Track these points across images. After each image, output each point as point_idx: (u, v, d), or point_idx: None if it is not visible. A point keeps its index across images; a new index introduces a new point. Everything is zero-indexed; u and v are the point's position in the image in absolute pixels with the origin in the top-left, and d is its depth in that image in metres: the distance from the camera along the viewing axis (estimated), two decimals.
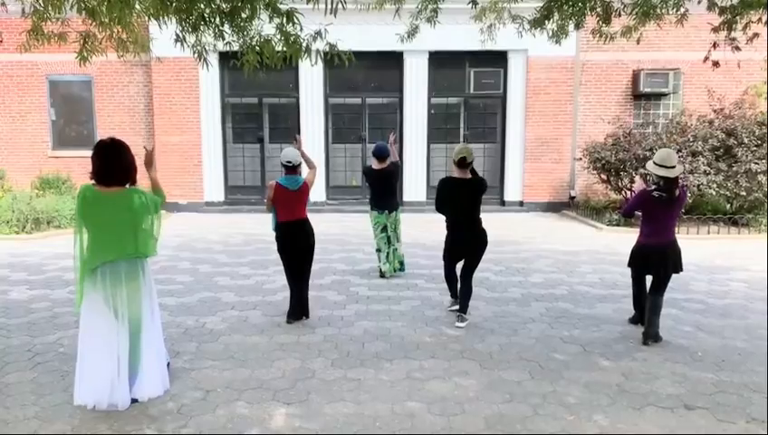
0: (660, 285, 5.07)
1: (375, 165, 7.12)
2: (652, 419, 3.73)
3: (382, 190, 7.19)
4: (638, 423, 3.68)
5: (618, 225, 10.92)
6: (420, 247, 8.79)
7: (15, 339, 5.12)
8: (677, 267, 5.07)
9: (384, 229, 7.18)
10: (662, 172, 4.91)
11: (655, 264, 5.06)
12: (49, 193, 11.93)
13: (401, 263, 7.39)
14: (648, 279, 5.22)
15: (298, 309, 5.56)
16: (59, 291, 6.64)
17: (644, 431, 3.59)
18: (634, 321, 5.50)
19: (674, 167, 4.92)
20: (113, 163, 3.74)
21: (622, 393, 4.08)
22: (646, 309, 5.11)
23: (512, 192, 13.47)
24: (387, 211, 7.17)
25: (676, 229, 5.27)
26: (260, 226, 10.84)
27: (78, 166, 13.02)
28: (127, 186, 3.80)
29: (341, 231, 10.38)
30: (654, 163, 4.98)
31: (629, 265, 5.37)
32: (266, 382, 4.23)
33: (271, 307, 6.01)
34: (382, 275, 7.19)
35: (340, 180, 13.74)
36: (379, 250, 7.27)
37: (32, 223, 10.18)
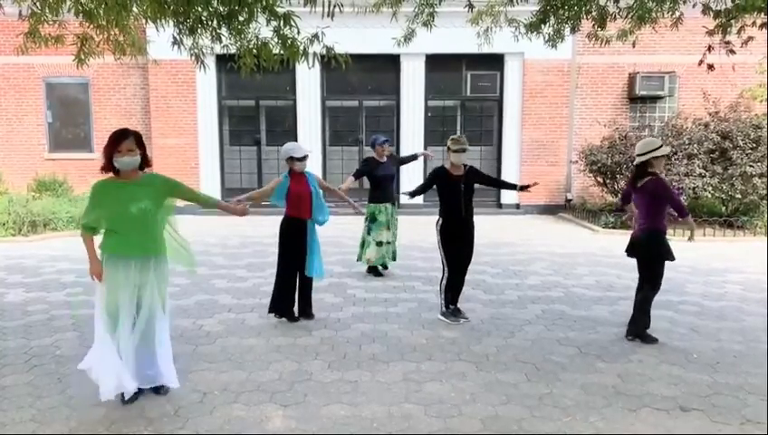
0: (643, 277, 5.18)
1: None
2: (647, 420, 3.75)
3: None
4: (634, 424, 3.69)
5: (614, 227, 10.96)
6: (418, 250, 8.81)
7: (12, 341, 5.11)
8: (652, 255, 5.08)
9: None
10: (636, 161, 5.16)
11: (634, 252, 5.25)
12: (45, 195, 11.91)
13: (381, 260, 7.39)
14: None
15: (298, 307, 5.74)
16: (55, 293, 6.63)
17: (639, 432, 3.61)
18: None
19: (640, 154, 5.08)
20: None
21: (618, 395, 4.10)
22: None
23: (508, 195, 13.50)
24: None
25: (670, 228, 5.30)
26: (257, 228, 10.84)
27: (74, 168, 13.02)
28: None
29: (338, 233, 10.38)
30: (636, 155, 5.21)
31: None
32: (263, 384, 4.23)
33: (267, 309, 6.00)
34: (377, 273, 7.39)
35: (337, 182, 13.72)
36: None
37: (28, 225, 10.17)
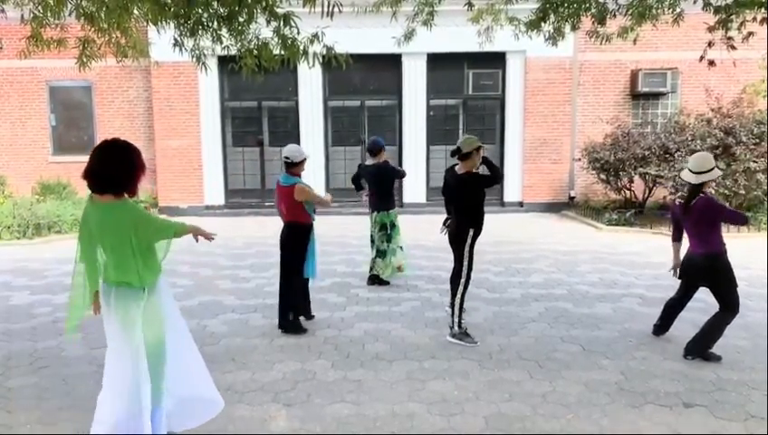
0: (718, 301, 4.72)
1: (369, 161, 7.02)
2: (651, 417, 3.75)
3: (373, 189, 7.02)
4: (637, 421, 3.70)
5: (617, 224, 10.95)
6: (421, 249, 8.81)
7: (17, 344, 5.14)
8: (721, 281, 4.67)
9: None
10: (686, 177, 4.70)
11: (693, 278, 4.87)
12: (50, 198, 11.96)
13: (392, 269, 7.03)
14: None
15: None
16: (60, 296, 6.66)
17: (643, 429, 3.61)
18: (654, 331, 5.23)
19: (700, 173, 4.61)
20: (105, 167, 3.22)
21: (621, 392, 4.10)
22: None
23: (511, 193, 13.49)
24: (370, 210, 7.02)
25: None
26: (260, 229, 10.88)
27: (78, 171, 12.94)
28: (125, 196, 3.25)
29: (341, 233, 10.41)
30: (688, 170, 4.69)
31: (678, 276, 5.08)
32: (267, 384, 4.25)
33: (271, 310, 6.01)
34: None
35: (340, 183, 13.76)
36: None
37: (33, 228, 10.21)
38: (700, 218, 4.65)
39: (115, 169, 3.23)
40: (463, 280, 5.13)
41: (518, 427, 3.64)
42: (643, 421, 3.70)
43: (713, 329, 4.68)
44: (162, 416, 3.36)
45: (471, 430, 3.60)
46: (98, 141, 13.36)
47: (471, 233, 5.10)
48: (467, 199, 5.15)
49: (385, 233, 6.91)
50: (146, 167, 3.39)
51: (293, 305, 5.41)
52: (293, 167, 5.31)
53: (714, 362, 4.58)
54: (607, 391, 4.12)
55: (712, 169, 4.64)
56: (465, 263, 5.12)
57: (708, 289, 4.79)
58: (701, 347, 4.67)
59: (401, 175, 7.19)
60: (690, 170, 4.66)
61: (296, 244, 5.37)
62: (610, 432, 3.58)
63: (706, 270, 4.70)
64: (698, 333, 4.72)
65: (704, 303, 6.16)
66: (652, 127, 12.34)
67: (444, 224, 5.52)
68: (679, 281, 5.06)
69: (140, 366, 3.21)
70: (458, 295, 5.13)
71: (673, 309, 5.13)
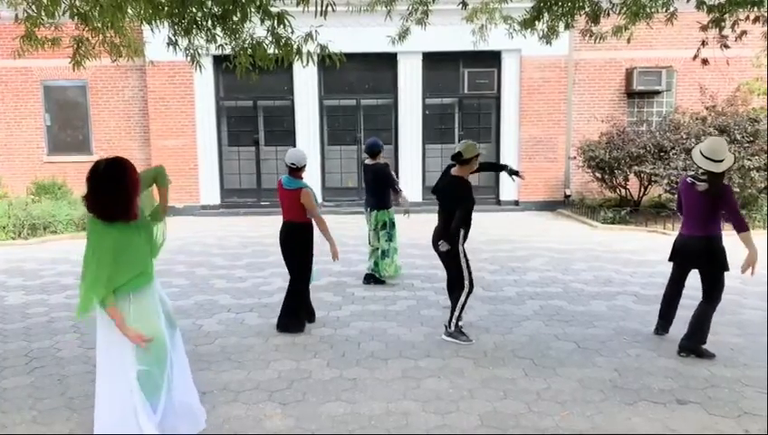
0: (705, 286, 4.72)
1: (368, 161, 7.12)
2: (645, 414, 3.77)
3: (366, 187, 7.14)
4: (631, 418, 3.72)
5: (612, 223, 10.99)
6: (416, 248, 8.81)
7: (12, 344, 5.13)
8: (715, 265, 4.66)
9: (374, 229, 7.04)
10: (705, 165, 4.54)
11: (687, 259, 4.83)
12: (45, 199, 11.91)
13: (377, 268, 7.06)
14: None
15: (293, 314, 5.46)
16: (55, 296, 6.65)
17: (636, 426, 3.62)
18: (657, 331, 5.18)
19: (721, 161, 4.52)
20: (100, 198, 3.11)
21: (615, 389, 4.12)
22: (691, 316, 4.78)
23: (507, 191, 13.51)
24: (367, 209, 7.11)
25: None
26: (256, 228, 10.87)
27: (74, 171, 13.02)
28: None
29: (337, 232, 10.36)
30: (701, 154, 4.58)
31: (670, 259, 5.04)
32: (262, 383, 4.26)
33: (267, 309, 6.03)
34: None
35: (336, 182, 13.78)
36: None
37: (28, 228, 10.19)
38: (713, 205, 4.63)
39: (111, 199, 3.10)
40: (466, 283, 5.04)
41: (512, 424, 3.66)
42: (637, 418, 3.71)
43: (701, 322, 4.69)
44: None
45: (466, 428, 3.62)
46: (93, 141, 13.51)
47: (461, 234, 5.02)
48: (453, 202, 5.05)
49: (386, 232, 6.95)
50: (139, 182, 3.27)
51: (298, 308, 5.42)
52: (298, 171, 5.37)
53: (707, 359, 4.61)
54: (601, 388, 4.14)
55: (727, 155, 4.57)
56: (463, 265, 5.02)
57: (700, 272, 4.77)
58: (695, 343, 4.69)
59: (394, 185, 7.12)
60: (707, 157, 4.54)
61: (297, 243, 5.39)
62: (604, 429, 3.60)
63: (704, 253, 4.69)
64: (688, 329, 4.74)
65: (697, 300, 6.18)
66: (647, 125, 12.37)
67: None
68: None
69: (128, 364, 3.19)
70: (461, 300, 5.05)
71: (671, 300, 5.10)
